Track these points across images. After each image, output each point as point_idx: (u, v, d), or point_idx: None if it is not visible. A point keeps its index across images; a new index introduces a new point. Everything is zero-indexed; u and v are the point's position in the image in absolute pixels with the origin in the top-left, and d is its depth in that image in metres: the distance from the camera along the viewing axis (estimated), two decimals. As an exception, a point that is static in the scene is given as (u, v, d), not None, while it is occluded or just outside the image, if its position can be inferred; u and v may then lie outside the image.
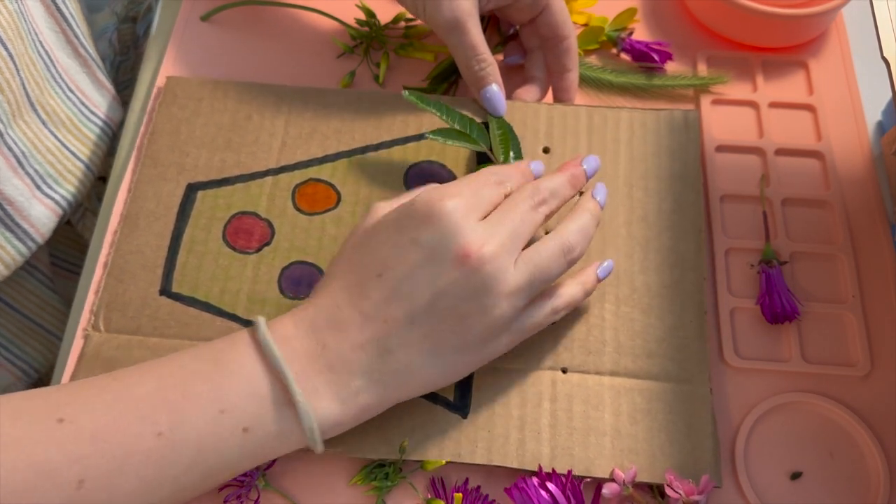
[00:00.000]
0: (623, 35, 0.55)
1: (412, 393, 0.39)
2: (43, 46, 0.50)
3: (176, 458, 0.35)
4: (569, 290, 0.42)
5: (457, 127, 0.48)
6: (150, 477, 0.35)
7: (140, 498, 0.35)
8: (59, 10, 0.52)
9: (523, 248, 0.39)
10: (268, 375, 0.37)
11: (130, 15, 0.64)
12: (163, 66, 0.55)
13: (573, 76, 0.51)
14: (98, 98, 0.56)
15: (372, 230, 0.40)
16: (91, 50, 0.55)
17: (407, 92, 0.48)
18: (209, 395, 0.36)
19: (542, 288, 0.40)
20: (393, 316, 0.37)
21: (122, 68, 0.65)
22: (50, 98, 0.51)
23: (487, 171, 0.42)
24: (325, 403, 0.37)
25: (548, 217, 0.41)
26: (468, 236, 0.37)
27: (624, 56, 0.56)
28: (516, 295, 0.38)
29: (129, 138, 0.54)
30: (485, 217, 0.39)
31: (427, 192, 0.39)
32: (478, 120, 0.50)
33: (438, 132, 0.47)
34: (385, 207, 0.41)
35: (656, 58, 0.54)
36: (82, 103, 0.54)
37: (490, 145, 0.48)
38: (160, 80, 0.55)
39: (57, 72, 0.52)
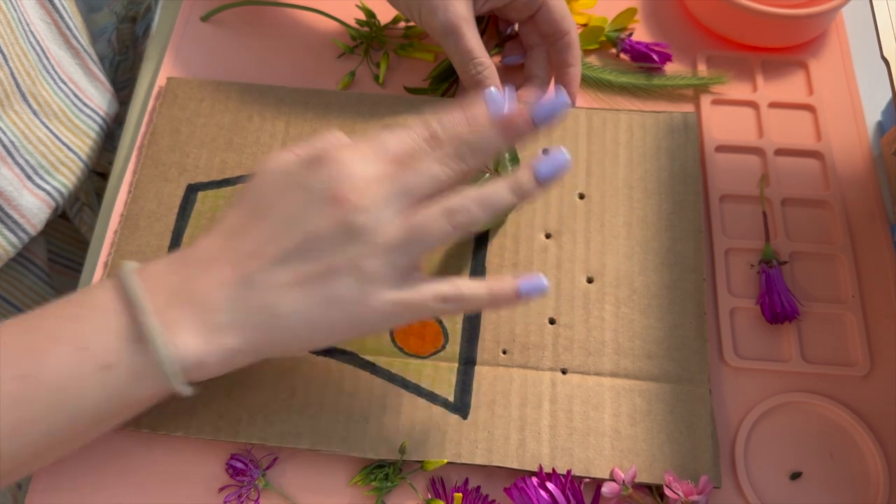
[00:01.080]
0: (623, 36, 0.55)
1: (283, 343, 0.37)
2: (35, 37, 0.50)
3: (37, 399, 0.35)
4: (467, 284, 0.38)
5: None
6: (12, 419, 0.35)
7: (5, 443, 0.35)
8: (50, 1, 0.52)
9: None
10: (126, 309, 0.36)
11: (129, 15, 0.64)
12: (163, 66, 0.55)
13: (576, 71, 0.50)
14: (92, 90, 0.56)
15: (268, 174, 0.38)
16: (84, 42, 0.55)
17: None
18: (71, 333, 0.36)
19: (422, 251, 0.37)
20: (262, 253, 0.36)
21: (122, 68, 0.65)
22: (42, 89, 0.51)
23: (420, 122, 0.39)
24: (185, 338, 0.36)
25: (467, 173, 0.38)
26: (350, 182, 0.36)
27: (623, 57, 0.56)
28: (392, 252, 0.36)
29: (129, 138, 0.54)
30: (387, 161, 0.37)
31: (327, 139, 0.38)
32: None
33: None
34: (284, 155, 0.39)
35: (656, 58, 0.54)
36: (75, 95, 0.54)
37: None
38: (160, 80, 0.55)
39: (49, 63, 0.52)
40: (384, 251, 0.36)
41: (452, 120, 0.38)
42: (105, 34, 0.63)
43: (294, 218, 0.36)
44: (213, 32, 0.57)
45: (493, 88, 0.48)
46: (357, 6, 0.57)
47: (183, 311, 0.36)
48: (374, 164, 0.37)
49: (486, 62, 0.48)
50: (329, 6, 0.57)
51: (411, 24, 0.57)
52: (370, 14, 0.56)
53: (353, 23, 0.57)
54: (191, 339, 0.36)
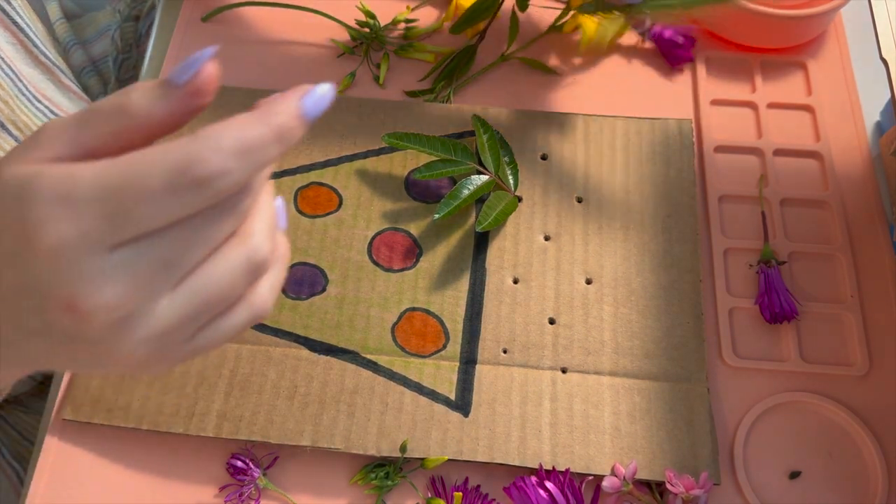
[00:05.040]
0: (649, 24, 0.55)
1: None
2: (5, 62, 0.50)
3: None
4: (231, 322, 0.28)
5: (440, 154, 0.48)
6: None
7: None
8: (13, 22, 0.51)
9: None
10: None
11: (133, 14, 0.64)
12: (164, 68, 0.56)
13: None
14: (66, 102, 0.56)
15: None
16: (51, 55, 0.54)
17: (386, 137, 0.49)
18: None
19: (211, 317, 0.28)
20: None
21: (125, 66, 0.65)
22: (22, 114, 0.51)
23: (174, 161, 0.25)
24: None
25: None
26: (76, 284, 0.25)
27: (649, 45, 0.56)
28: (161, 339, 0.27)
29: (131, 139, 0.54)
30: (131, 238, 0.25)
31: (32, 189, 0.24)
32: (465, 130, 0.51)
33: (426, 170, 0.48)
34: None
35: (682, 41, 0.54)
36: (51, 111, 0.54)
37: (478, 159, 0.49)
38: (162, 82, 0.55)
39: (23, 85, 0.52)
40: (147, 341, 0.27)
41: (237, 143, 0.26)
42: (108, 32, 0.63)
43: (20, 311, 0.26)
44: (213, 33, 0.57)
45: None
46: (357, 7, 0.57)
47: None
48: (113, 240, 0.25)
49: None
50: (329, 6, 0.57)
51: (411, 25, 0.57)
52: (370, 15, 0.56)
53: (353, 23, 0.57)
54: None
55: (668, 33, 0.55)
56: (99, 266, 0.25)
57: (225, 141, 0.26)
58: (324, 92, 0.28)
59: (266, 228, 0.28)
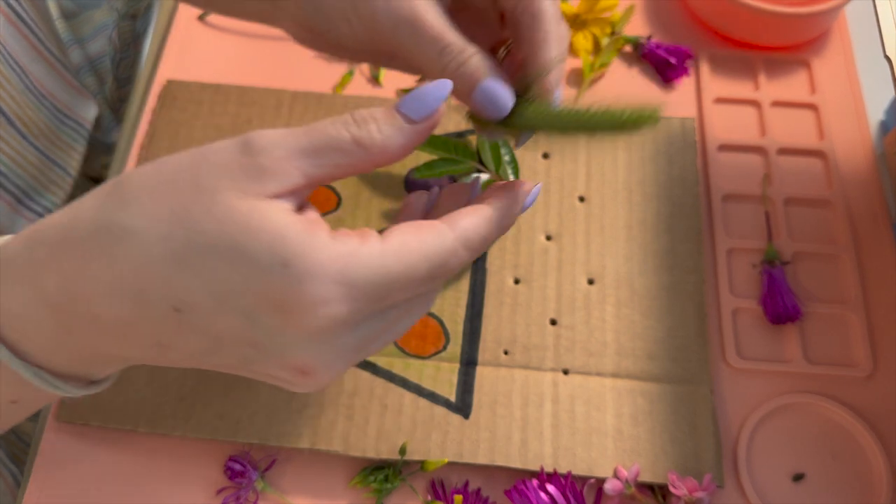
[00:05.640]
0: (643, 40, 0.55)
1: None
2: (12, 57, 0.50)
3: None
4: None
5: (439, 153, 0.48)
6: None
7: None
8: (18, 16, 0.51)
9: None
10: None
11: (130, 12, 0.64)
12: (160, 66, 0.55)
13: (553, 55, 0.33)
14: (68, 99, 0.55)
15: (215, 238, 0.25)
16: (54, 49, 0.54)
17: None
18: None
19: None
20: (182, 352, 0.28)
21: (122, 65, 0.65)
22: (28, 109, 0.51)
23: (439, 256, 0.28)
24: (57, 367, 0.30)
25: None
26: (320, 357, 0.27)
27: (644, 61, 0.55)
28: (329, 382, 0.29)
29: (126, 138, 0.54)
30: (375, 313, 0.28)
31: (311, 263, 0.25)
32: (465, 129, 0.50)
33: (426, 169, 0.47)
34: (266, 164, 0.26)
35: (674, 62, 0.54)
36: (56, 108, 0.54)
37: (479, 158, 0.48)
38: (158, 80, 0.54)
39: (29, 81, 0.51)
40: (321, 385, 0.29)
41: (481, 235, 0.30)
42: (105, 31, 0.63)
43: (227, 353, 0.28)
44: (211, 31, 0.57)
45: (488, 80, 0.32)
46: (357, 5, 0.57)
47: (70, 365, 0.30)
48: (359, 322, 0.27)
49: (465, 48, 0.32)
50: (329, 5, 0.57)
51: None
52: (370, 13, 0.56)
53: (352, 22, 0.56)
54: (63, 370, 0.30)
55: (660, 52, 0.54)
56: (346, 342, 0.27)
57: (474, 241, 0.29)
58: (538, 192, 0.33)
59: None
